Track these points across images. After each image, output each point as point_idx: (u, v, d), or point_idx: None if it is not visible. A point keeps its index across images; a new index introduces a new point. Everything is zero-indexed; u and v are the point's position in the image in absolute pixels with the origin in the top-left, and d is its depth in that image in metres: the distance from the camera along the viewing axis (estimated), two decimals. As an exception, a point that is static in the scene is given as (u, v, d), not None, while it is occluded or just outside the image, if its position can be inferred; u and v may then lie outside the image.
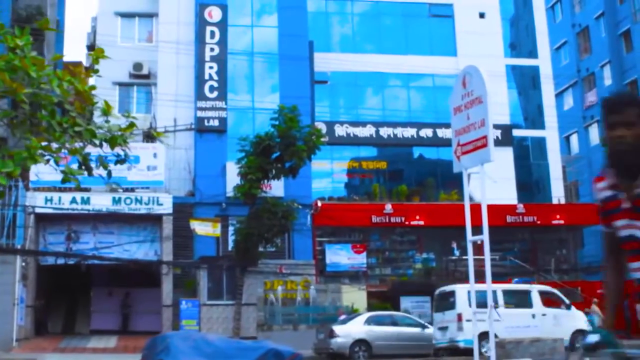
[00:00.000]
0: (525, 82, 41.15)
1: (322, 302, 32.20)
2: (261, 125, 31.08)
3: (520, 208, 35.81)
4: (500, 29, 40.06)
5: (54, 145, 10.50)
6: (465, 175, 13.10)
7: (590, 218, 37.06)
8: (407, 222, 34.67)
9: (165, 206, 31.45)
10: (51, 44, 36.87)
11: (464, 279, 25.85)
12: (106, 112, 10.68)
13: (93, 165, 10.70)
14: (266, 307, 31.40)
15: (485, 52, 37.74)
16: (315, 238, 33.96)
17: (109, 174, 10.51)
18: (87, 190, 30.42)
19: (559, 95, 51.11)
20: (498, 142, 36.43)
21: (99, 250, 31.68)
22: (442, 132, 35.87)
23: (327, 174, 36.79)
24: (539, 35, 41.13)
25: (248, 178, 27.90)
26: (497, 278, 33.60)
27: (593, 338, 3.86)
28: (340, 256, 34.47)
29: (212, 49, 34.86)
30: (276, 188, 30.89)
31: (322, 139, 28.85)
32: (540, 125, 40.01)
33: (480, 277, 13.60)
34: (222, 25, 35.26)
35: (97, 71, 11.65)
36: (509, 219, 35.34)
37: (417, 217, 34.64)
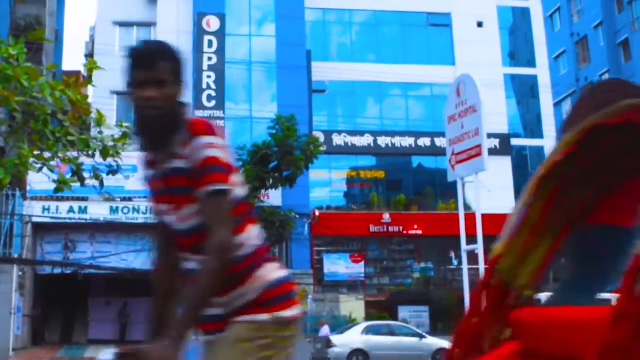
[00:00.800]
0: (524, 92, 41.16)
1: (320, 311, 32.13)
2: (259, 134, 31.05)
3: (519, 217, 35.71)
4: (498, 38, 40.05)
5: (47, 154, 10.51)
6: (460, 184, 13.08)
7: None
8: (405, 232, 34.63)
9: (163, 215, 31.33)
10: (50, 53, 36.91)
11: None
12: (99, 122, 10.68)
13: (86, 175, 10.71)
14: (264, 317, 31.27)
15: (484, 61, 37.77)
16: (313, 247, 33.90)
17: (101, 183, 10.51)
18: (84, 199, 30.39)
19: (558, 105, 51.12)
20: (496, 152, 36.53)
21: (96, 259, 31.62)
22: (440, 142, 35.81)
23: (326, 184, 36.75)
24: (537, 44, 41.13)
25: (245, 187, 27.85)
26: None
27: None
28: (339, 266, 34.42)
29: (210, 58, 34.88)
30: (274, 197, 30.85)
31: (320, 148, 28.80)
32: (540, 134, 39.98)
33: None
34: (220, 34, 35.28)
35: (91, 81, 11.63)
36: (508, 228, 35.23)
37: (415, 227, 34.60)
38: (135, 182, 31.15)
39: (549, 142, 39.60)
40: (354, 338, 25.69)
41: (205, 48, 34.96)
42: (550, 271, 3.89)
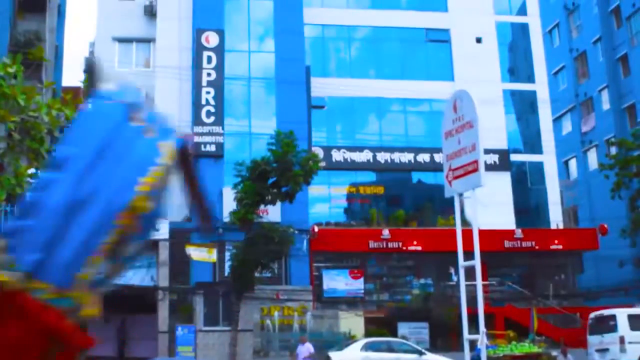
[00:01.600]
0: (523, 107, 41.16)
1: (319, 328, 32.00)
2: (258, 150, 31.04)
3: (519, 233, 35.67)
4: (497, 54, 40.07)
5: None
6: (457, 200, 13.04)
7: (590, 243, 37.00)
8: (404, 248, 34.54)
9: (162, 232, 31.34)
10: (50, 68, 36.97)
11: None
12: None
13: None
14: (263, 333, 31.22)
15: (483, 77, 37.83)
16: (312, 263, 33.81)
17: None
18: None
19: (557, 120, 51.15)
20: (495, 167, 36.54)
21: (95, 276, 31.50)
22: (439, 157, 35.63)
23: (325, 199, 36.70)
24: (536, 60, 41.13)
25: (244, 203, 27.85)
26: (496, 304, 33.64)
27: None
28: (338, 282, 34.31)
29: (209, 74, 34.93)
30: (273, 213, 30.80)
31: (319, 164, 28.81)
32: (540, 150, 39.94)
33: (472, 303, 13.46)
34: (219, 50, 35.33)
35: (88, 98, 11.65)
36: (507, 244, 35.20)
37: (415, 243, 34.52)
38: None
39: (548, 157, 39.61)
40: (353, 355, 25.55)
41: (205, 64, 35.01)
42: None
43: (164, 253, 31.39)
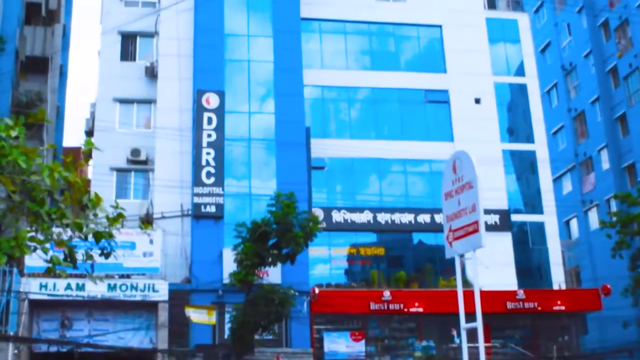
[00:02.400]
0: (523, 167, 41.22)
1: (320, 391, 31.59)
2: (258, 211, 30.98)
3: (521, 294, 35.36)
4: (496, 114, 40.27)
5: (41, 237, 10.55)
6: (458, 261, 12.98)
7: (593, 304, 36.67)
8: (406, 309, 34.24)
9: (161, 293, 31.18)
10: (51, 129, 37.21)
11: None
12: (95, 204, 10.73)
13: (79, 257, 10.76)
14: (263, 397, 30.79)
15: (482, 137, 38.03)
16: (313, 326, 33.47)
17: (92, 267, 10.60)
18: (82, 276, 30.16)
19: (557, 180, 51.30)
20: (496, 228, 36.46)
21: (93, 337, 31.25)
22: (439, 218, 35.64)
23: (325, 260, 36.52)
24: (535, 120, 41.29)
25: (244, 264, 27.71)
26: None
27: None
28: (339, 344, 33.94)
29: (209, 135, 35.09)
30: (273, 275, 30.63)
31: (319, 225, 28.71)
32: (540, 210, 39.88)
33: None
34: (220, 111, 35.54)
35: (88, 160, 11.74)
36: (510, 305, 34.89)
37: (416, 304, 34.23)
38: (133, 259, 31.11)
39: (549, 217, 39.52)
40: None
41: (205, 125, 35.19)
42: None
43: (163, 315, 31.13)
